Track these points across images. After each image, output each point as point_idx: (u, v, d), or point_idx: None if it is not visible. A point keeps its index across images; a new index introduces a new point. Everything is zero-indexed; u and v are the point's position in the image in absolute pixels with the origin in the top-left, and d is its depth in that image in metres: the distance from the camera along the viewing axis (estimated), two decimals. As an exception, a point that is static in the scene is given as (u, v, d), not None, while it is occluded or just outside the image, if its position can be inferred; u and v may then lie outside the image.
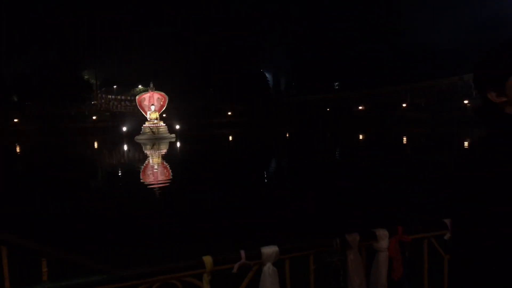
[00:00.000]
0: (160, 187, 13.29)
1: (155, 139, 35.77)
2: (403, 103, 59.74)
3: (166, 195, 12.25)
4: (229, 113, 68.19)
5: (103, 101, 72.34)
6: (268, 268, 2.03)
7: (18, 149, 35.36)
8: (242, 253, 1.99)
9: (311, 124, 51.39)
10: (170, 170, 18.36)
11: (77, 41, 72.31)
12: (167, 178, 16.03)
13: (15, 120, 59.38)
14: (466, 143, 26.40)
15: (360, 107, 64.07)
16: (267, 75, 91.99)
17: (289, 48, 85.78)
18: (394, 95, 62.82)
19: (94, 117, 62.57)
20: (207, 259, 1.94)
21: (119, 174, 18.56)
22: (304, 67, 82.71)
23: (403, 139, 31.97)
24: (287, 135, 41.96)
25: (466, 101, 50.86)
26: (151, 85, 40.51)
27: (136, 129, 39.77)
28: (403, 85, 62.82)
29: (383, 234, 2.23)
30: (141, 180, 15.58)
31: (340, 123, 51.32)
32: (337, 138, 35.35)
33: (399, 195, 10.88)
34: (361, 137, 36.65)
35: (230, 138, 40.70)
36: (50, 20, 72.71)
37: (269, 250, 2.03)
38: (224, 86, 75.25)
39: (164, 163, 21.42)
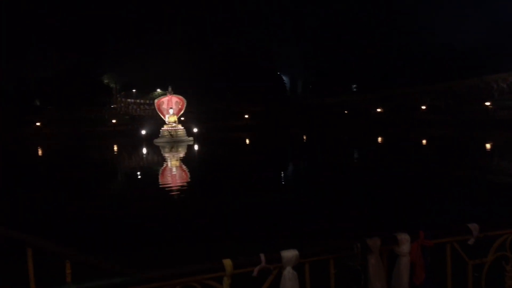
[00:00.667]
0: (178, 190, 13.37)
1: (174, 142, 36.14)
2: (422, 105, 58.90)
3: (185, 197, 12.31)
4: (246, 116, 68.31)
5: (122, 105, 73.39)
6: (288, 272, 2.02)
7: (40, 152, 36.08)
8: (262, 256, 1.99)
9: (329, 127, 51.09)
10: (188, 173, 18.48)
11: (97, 46, 73.57)
12: (185, 180, 16.13)
13: (37, 123, 60.73)
14: (487, 145, 25.89)
15: (378, 109, 63.43)
16: (284, 78, 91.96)
17: (306, 50, 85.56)
18: (413, 97, 61.94)
19: (114, 121, 63.47)
20: (227, 262, 1.94)
21: (138, 176, 18.76)
22: (322, 69, 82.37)
23: (422, 142, 31.52)
24: (304, 138, 41.81)
25: (487, 103, 49.80)
26: (170, 88, 40.96)
27: (155, 132, 40.23)
28: (422, 86, 61.97)
29: (404, 238, 2.20)
30: (160, 183, 15.70)
31: (358, 125, 50.89)
32: (355, 141, 35.06)
33: (420, 199, 10.71)
34: (379, 139, 36.27)
35: (247, 141, 40.76)
36: (71, 26, 74.15)
37: (289, 254, 2.03)
38: (241, 89, 75.52)
39: (182, 165, 21.57)
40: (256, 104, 70.50)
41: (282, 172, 18.39)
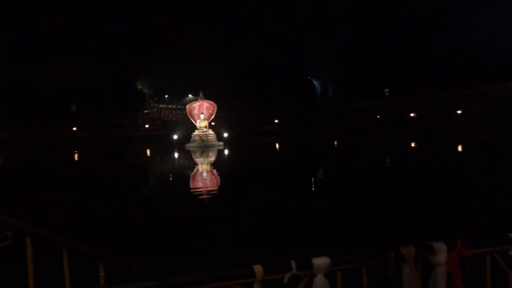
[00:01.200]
0: (208, 194, 13.47)
1: (204, 146, 36.58)
2: (458, 110, 57.20)
3: (215, 202, 12.39)
4: (276, 121, 68.24)
5: (155, 110, 75.03)
6: (319, 279, 1.99)
7: (75, 156, 37.21)
8: (293, 263, 1.97)
9: (361, 132, 50.40)
10: (218, 177, 18.60)
11: (131, 53, 75.53)
12: (215, 185, 16.24)
13: (74, 128, 62.76)
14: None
15: (412, 114, 62.07)
16: (314, 82, 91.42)
17: (338, 54, 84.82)
18: (448, 101, 60.22)
19: (146, 126, 64.88)
20: (258, 269, 1.93)
21: (170, 180, 19.04)
22: (353, 74, 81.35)
23: (458, 148, 30.60)
24: (336, 143, 41.37)
25: (527, 107, 47.88)
26: (201, 94, 41.56)
27: (187, 137, 40.86)
28: (458, 90, 60.13)
29: (440, 247, 2.13)
30: (190, 187, 15.87)
31: (391, 130, 49.96)
32: (388, 146, 34.41)
33: (458, 207, 10.38)
34: (413, 145, 35.46)
35: (277, 146, 40.71)
36: (106, 34, 76.44)
37: (321, 261, 1.99)
38: (271, 94, 75.60)
39: (213, 170, 21.75)
40: (286, 109, 70.35)
41: (313, 178, 18.25)
